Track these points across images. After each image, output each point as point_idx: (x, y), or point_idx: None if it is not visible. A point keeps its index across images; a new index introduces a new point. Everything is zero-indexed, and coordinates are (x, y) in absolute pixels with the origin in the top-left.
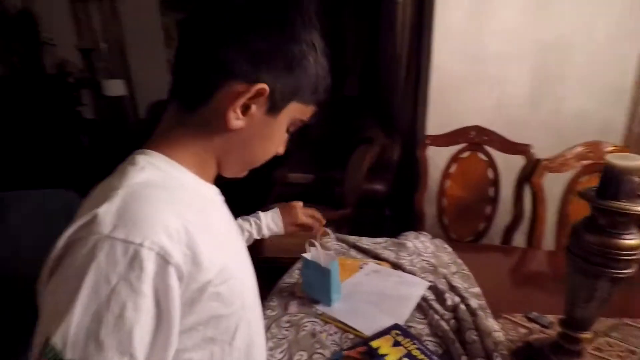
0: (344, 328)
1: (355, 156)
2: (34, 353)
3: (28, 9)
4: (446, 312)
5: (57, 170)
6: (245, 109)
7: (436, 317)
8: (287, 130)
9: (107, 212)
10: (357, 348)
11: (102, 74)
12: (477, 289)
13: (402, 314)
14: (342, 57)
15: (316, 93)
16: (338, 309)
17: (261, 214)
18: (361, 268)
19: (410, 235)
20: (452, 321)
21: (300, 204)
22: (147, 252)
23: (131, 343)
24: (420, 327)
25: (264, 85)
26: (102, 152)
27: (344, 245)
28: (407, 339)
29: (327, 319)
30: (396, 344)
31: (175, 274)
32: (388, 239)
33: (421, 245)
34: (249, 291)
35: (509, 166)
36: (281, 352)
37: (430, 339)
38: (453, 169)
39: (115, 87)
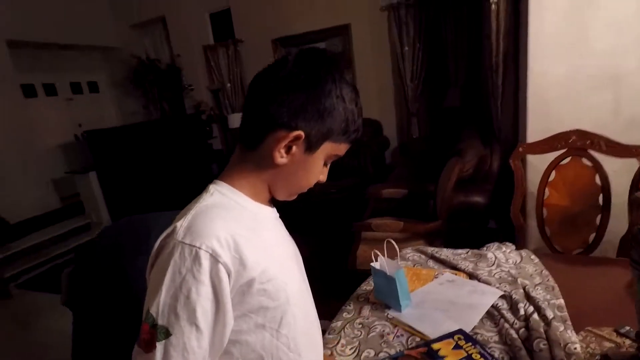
0: (411, 331)
1: (445, 169)
2: (143, 317)
3: (174, 63)
4: (517, 321)
5: (192, 195)
6: (288, 149)
7: (506, 325)
8: (325, 164)
9: (181, 225)
10: (419, 348)
11: (227, 109)
12: (559, 301)
13: (470, 321)
14: (443, 70)
15: (346, 134)
16: (407, 314)
17: None
18: (436, 277)
19: (493, 246)
20: (522, 330)
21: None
22: (204, 252)
23: (195, 316)
24: (489, 335)
25: (300, 132)
26: None
27: (422, 256)
28: (469, 344)
29: (396, 323)
30: (457, 347)
31: (224, 270)
32: (469, 250)
33: (502, 256)
34: (293, 292)
35: (623, 171)
36: (351, 348)
37: (497, 346)
38: (552, 176)
39: (237, 120)
